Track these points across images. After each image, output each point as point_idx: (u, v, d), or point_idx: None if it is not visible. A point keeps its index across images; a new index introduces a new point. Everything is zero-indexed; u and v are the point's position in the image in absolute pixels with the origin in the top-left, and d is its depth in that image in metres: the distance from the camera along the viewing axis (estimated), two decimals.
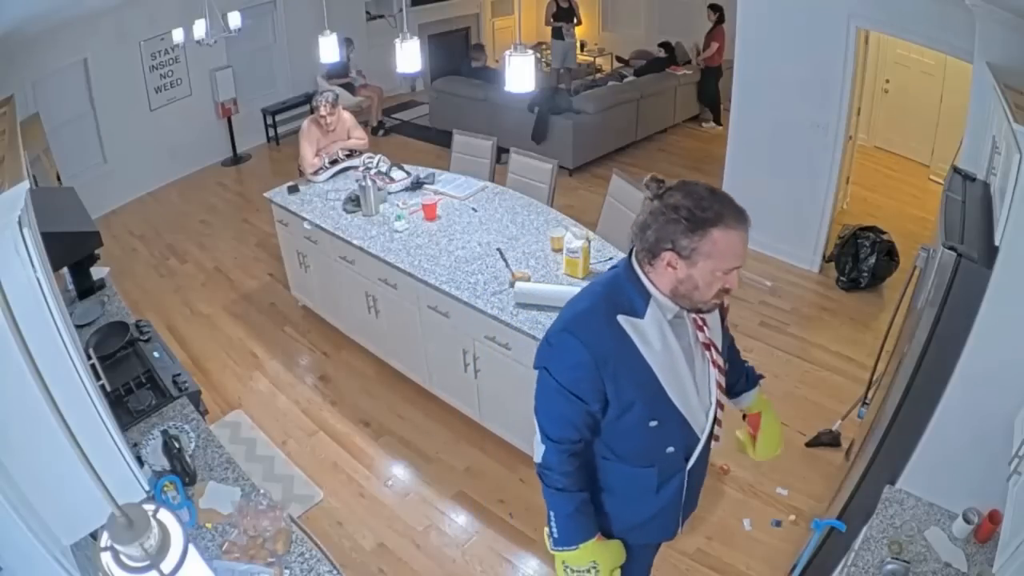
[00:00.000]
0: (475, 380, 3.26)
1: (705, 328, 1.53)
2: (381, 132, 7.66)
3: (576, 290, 2.92)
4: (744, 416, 1.91)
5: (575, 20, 8.33)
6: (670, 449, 1.57)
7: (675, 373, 1.49)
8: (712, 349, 1.54)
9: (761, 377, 1.92)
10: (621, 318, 1.45)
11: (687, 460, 1.63)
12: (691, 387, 1.53)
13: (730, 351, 1.75)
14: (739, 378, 1.86)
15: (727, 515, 3.01)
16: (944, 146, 5.74)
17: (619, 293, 1.48)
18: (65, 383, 1.41)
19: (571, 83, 7.48)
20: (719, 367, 1.55)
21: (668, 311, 1.47)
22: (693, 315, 1.50)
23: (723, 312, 1.64)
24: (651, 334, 1.45)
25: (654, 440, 1.55)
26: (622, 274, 1.50)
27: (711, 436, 1.62)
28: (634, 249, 1.49)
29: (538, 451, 1.59)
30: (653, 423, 1.51)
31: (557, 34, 8.25)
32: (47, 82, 5.36)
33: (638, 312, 1.45)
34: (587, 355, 1.43)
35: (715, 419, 1.60)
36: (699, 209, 1.35)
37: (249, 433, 3.57)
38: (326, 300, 4.20)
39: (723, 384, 1.59)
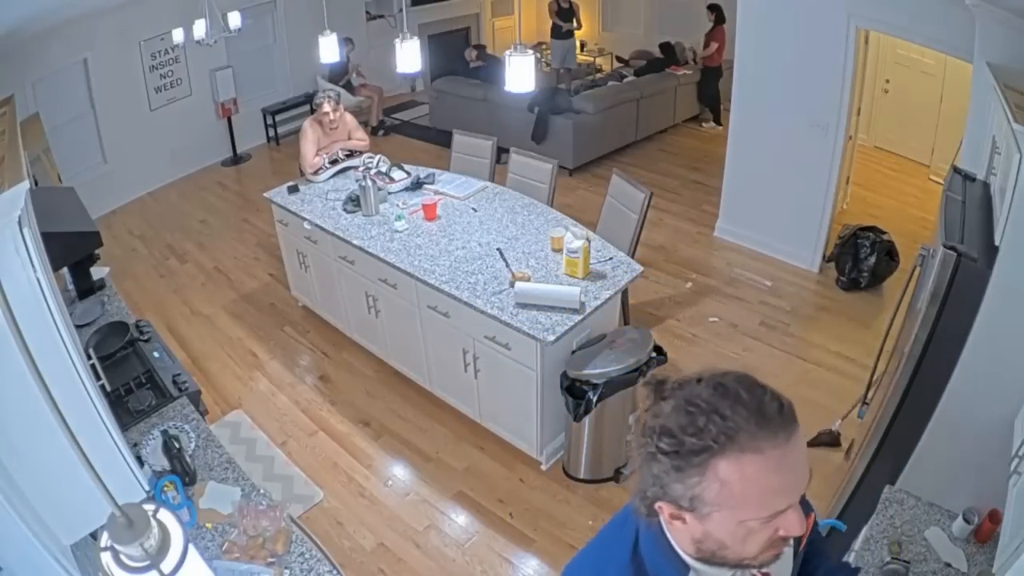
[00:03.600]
0: (475, 380, 3.26)
1: None
2: (381, 132, 7.66)
3: (576, 291, 2.96)
4: None
5: (575, 22, 8.31)
6: None
7: None
8: None
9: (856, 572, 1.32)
10: None
11: None
12: None
13: (817, 555, 1.24)
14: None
15: None
16: (944, 146, 5.74)
17: (641, 573, 0.99)
18: (65, 383, 1.42)
19: (571, 83, 7.48)
20: None
21: None
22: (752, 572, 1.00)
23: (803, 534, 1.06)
24: None
25: None
26: (644, 541, 1.00)
27: None
28: None
29: None
30: None
31: (556, 34, 8.24)
32: (47, 82, 5.36)
33: None
34: None
35: None
36: (692, 432, 0.84)
37: (249, 433, 3.57)
38: (326, 300, 4.20)
39: None
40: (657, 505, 0.92)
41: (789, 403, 0.89)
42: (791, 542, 1.01)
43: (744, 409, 0.84)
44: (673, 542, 0.97)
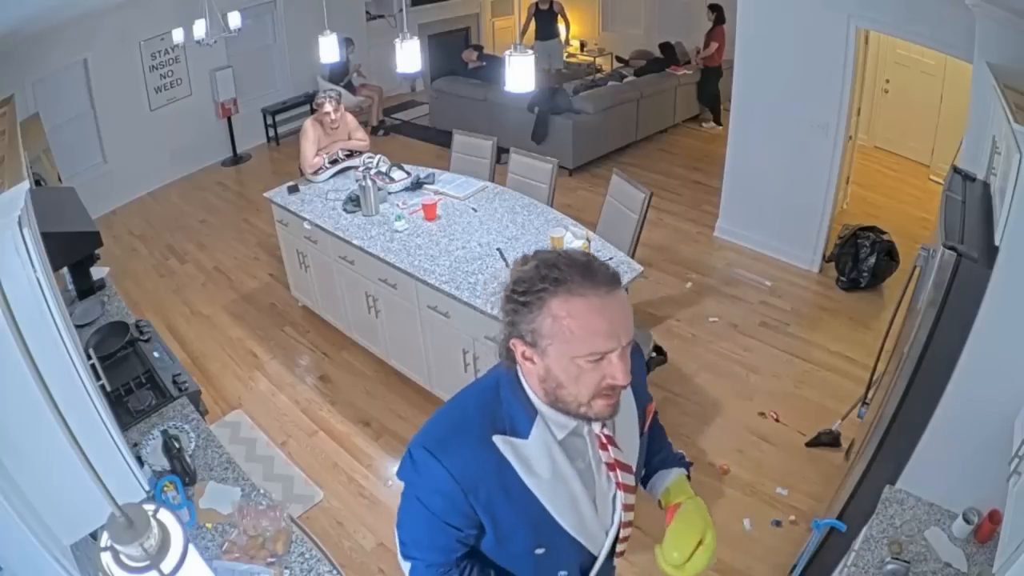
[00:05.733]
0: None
1: (610, 448, 1.21)
2: (381, 132, 7.66)
3: None
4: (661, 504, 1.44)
5: (565, 24, 8.16)
6: (562, 574, 1.31)
7: (569, 499, 1.21)
8: (618, 470, 1.23)
9: (689, 465, 1.49)
10: (498, 439, 1.16)
11: None
12: (589, 510, 1.24)
13: (655, 441, 1.47)
14: (656, 460, 1.47)
15: (727, 515, 3.00)
16: (944, 146, 5.74)
17: (498, 407, 1.18)
18: (65, 383, 1.42)
19: (562, 84, 7.41)
20: (628, 488, 1.26)
21: (560, 428, 1.17)
22: (596, 432, 1.20)
23: (645, 418, 1.34)
24: (536, 460, 1.17)
25: (542, 566, 1.29)
26: (505, 382, 1.19)
27: (612, 554, 1.33)
28: None
29: (404, 567, 1.30)
30: (540, 551, 1.25)
31: (540, 34, 8.02)
32: (47, 82, 5.36)
33: (520, 432, 1.16)
34: (452, 483, 1.14)
35: (617, 537, 1.31)
36: (538, 279, 1.06)
37: (249, 433, 3.57)
38: (326, 300, 4.20)
39: (632, 503, 1.29)
40: (511, 343, 1.12)
41: (616, 273, 1.10)
42: (636, 424, 1.31)
43: (577, 266, 1.06)
44: (526, 385, 1.16)
